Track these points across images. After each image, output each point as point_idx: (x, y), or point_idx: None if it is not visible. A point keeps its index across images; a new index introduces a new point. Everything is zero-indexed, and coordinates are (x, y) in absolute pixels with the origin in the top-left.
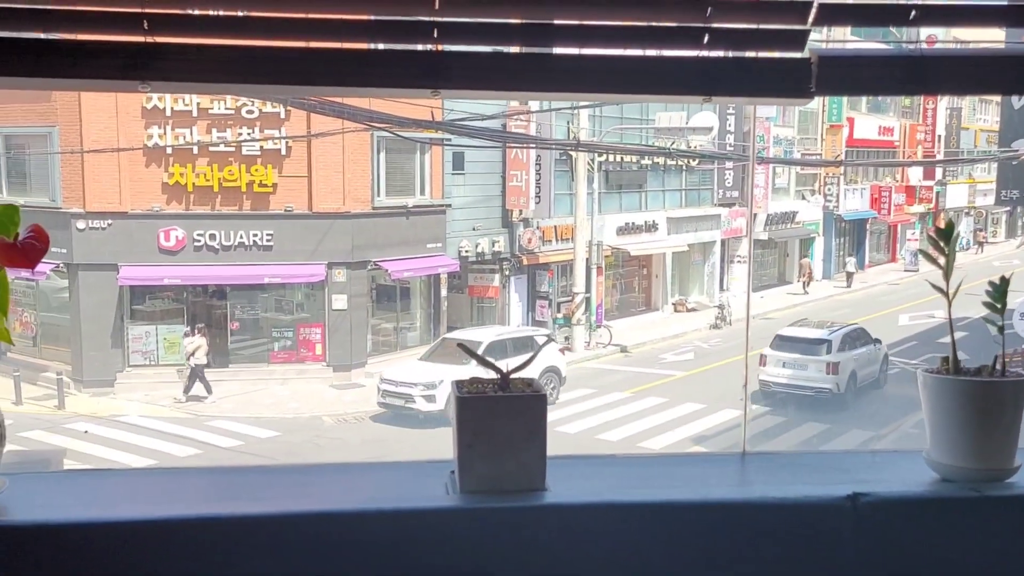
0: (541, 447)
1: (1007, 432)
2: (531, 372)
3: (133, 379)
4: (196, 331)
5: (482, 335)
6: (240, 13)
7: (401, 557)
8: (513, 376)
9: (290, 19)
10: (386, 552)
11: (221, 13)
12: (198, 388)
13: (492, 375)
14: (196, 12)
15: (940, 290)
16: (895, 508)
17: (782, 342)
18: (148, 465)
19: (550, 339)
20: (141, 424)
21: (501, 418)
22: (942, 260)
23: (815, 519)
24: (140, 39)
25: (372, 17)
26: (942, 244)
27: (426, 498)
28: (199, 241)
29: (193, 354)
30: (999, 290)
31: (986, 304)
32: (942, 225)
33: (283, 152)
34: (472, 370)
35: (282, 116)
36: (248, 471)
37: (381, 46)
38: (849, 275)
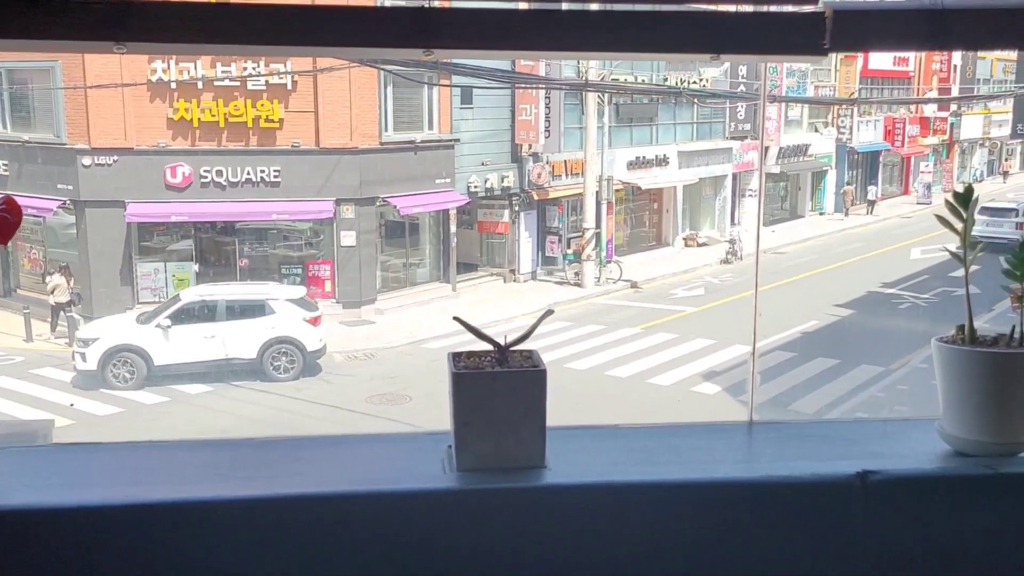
0: (540, 423)
1: (1023, 406)
2: (248, 344)
3: None
4: (58, 271)
5: (215, 292)
6: None
7: (397, 539)
8: (512, 349)
9: None
10: (382, 534)
11: None
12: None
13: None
14: None
15: (958, 257)
16: (905, 486)
17: (984, 211)
18: (160, 401)
19: (548, 313)
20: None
21: (499, 394)
22: (960, 226)
23: (823, 498)
24: None
25: None
26: (960, 209)
27: (422, 477)
28: (206, 177)
29: (52, 292)
30: (1020, 257)
31: (1005, 272)
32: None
33: (289, 87)
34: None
35: None
36: (239, 444)
37: (370, 3)
38: (871, 203)
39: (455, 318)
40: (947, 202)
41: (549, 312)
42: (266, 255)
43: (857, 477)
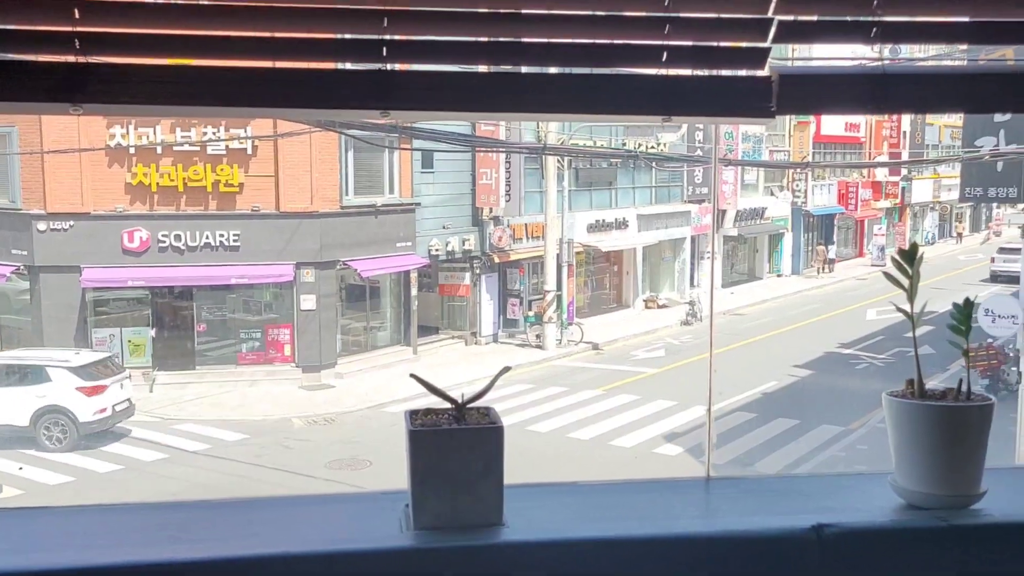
0: (498, 480)
1: (973, 457)
2: (20, 411)
3: None
4: None
5: None
6: (178, 32)
7: None
8: (469, 406)
9: (231, 38)
10: None
11: (157, 32)
12: None
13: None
14: (131, 31)
15: (905, 313)
16: (860, 539)
17: (1002, 251)
18: (113, 469)
19: (505, 369)
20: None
21: (456, 452)
22: (906, 282)
23: (780, 552)
24: (72, 59)
25: (319, 36)
26: (906, 266)
27: (379, 537)
28: (164, 242)
29: None
30: (963, 312)
31: (951, 327)
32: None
33: (249, 151)
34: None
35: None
36: (192, 507)
37: (329, 66)
38: (830, 262)
39: (412, 375)
40: (893, 259)
41: (506, 369)
42: (224, 319)
43: (813, 530)
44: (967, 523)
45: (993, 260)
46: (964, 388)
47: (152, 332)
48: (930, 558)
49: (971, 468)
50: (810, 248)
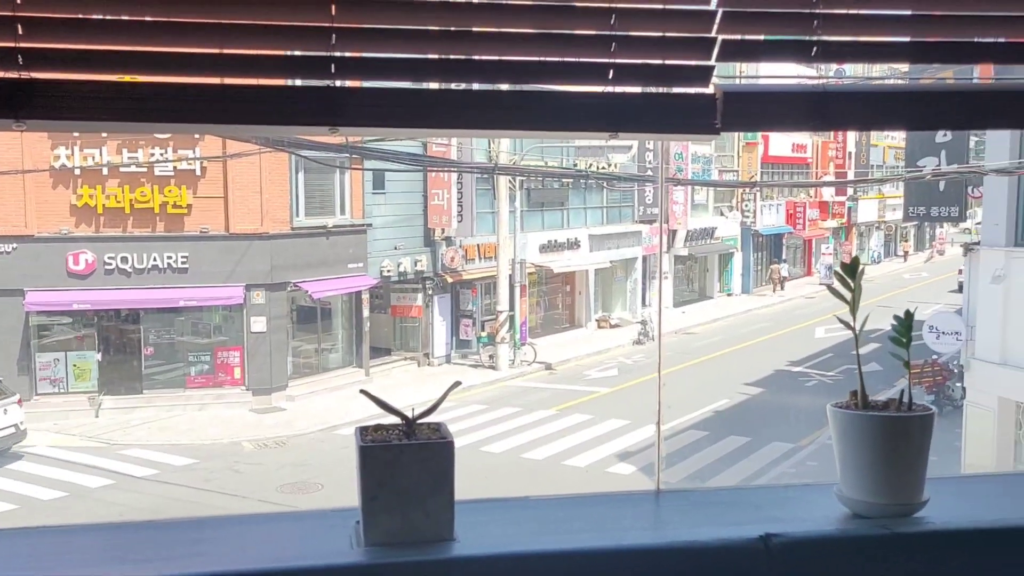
0: (449, 495)
1: (915, 466)
2: None
3: (41, 407)
4: None
5: None
6: (124, 48)
7: None
8: (419, 422)
9: (178, 54)
10: None
11: (102, 48)
12: None
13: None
14: (75, 47)
15: (848, 325)
16: (807, 548)
17: None
18: (57, 496)
19: (456, 384)
20: (51, 455)
21: (406, 467)
22: (848, 295)
23: (729, 562)
24: (15, 75)
25: (266, 52)
26: (848, 279)
27: (328, 554)
28: (110, 264)
29: None
30: (904, 324)
31: (892, 339)
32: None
33: (198, 172)
34: None
35: (196, 136)
36: (140, 527)
37: (278, 82)
38: (783, 279)
39: (362, 391)
40: (836, 273)
41: (457, 383)
42: (173, 342)
43: (760, 540)
44: (910, 531)
45: (960, 272)
46: (906, 399)
47: (98, 356)
48: (874, 565)
49: (913, 477)
50: (759, 267)
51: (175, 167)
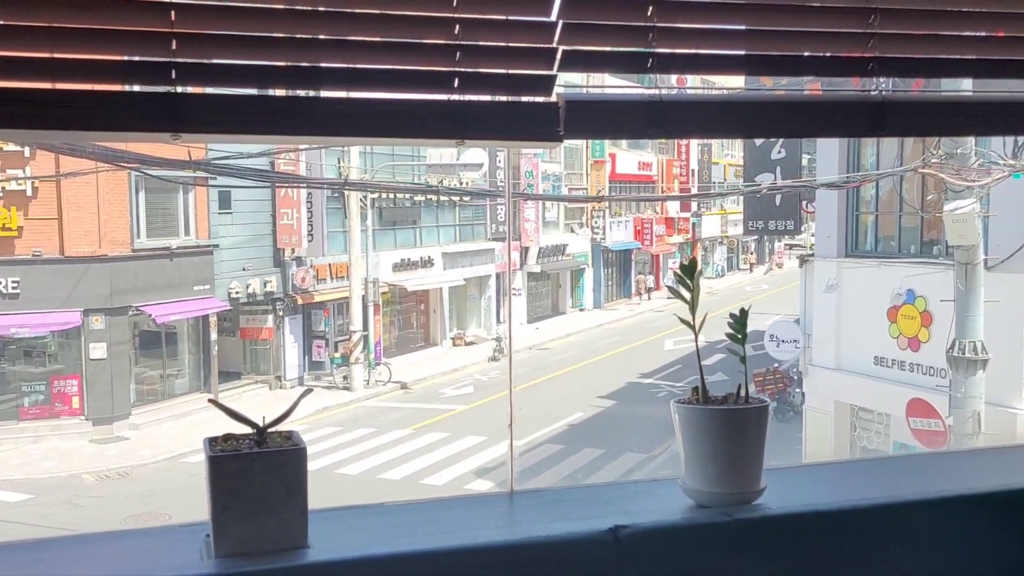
0: (302, 503)
1: (752, 456)
2: None
3: None
4: None
5: None
6: None
7: None
8: (271, 430)
9: (17, 58)
10: None
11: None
12: None
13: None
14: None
15: (688, 324)
16: (654, 537)
17: None
18: None
19: (308, 391)
20: None
21: (258, 476)
22: (688, 295)
23: (580, 554)
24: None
25: (102, 57)
26: (687, 280)
27: (177, 567)
28: None
29: None
30: (739, 321)
31: (728, 335)
32: (687, 262)
33: (29, 193)
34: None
35: (27, 155)
36: None
37: (115, 88)
38: (649, 290)
39: (211, 400)
40: (675, 274)
41: (308, 391)
42: (4, 372)
43: (610, 532)
44: (749, 516)
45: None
46: (743, 393)
47: None
48: (718, 550)
49: (751, 466)
50: (610, 283)
51: (3, 187)
